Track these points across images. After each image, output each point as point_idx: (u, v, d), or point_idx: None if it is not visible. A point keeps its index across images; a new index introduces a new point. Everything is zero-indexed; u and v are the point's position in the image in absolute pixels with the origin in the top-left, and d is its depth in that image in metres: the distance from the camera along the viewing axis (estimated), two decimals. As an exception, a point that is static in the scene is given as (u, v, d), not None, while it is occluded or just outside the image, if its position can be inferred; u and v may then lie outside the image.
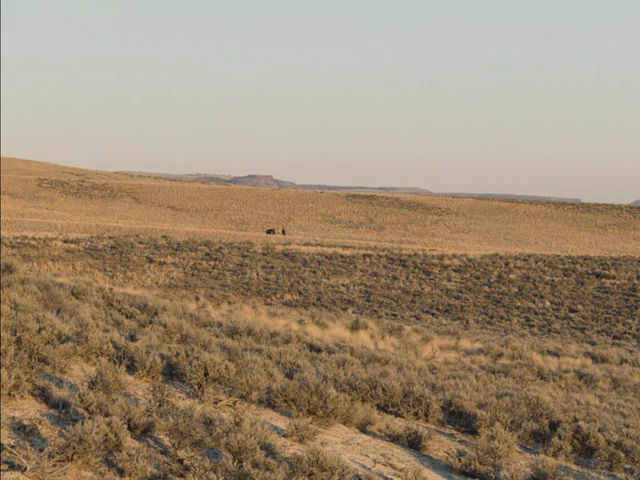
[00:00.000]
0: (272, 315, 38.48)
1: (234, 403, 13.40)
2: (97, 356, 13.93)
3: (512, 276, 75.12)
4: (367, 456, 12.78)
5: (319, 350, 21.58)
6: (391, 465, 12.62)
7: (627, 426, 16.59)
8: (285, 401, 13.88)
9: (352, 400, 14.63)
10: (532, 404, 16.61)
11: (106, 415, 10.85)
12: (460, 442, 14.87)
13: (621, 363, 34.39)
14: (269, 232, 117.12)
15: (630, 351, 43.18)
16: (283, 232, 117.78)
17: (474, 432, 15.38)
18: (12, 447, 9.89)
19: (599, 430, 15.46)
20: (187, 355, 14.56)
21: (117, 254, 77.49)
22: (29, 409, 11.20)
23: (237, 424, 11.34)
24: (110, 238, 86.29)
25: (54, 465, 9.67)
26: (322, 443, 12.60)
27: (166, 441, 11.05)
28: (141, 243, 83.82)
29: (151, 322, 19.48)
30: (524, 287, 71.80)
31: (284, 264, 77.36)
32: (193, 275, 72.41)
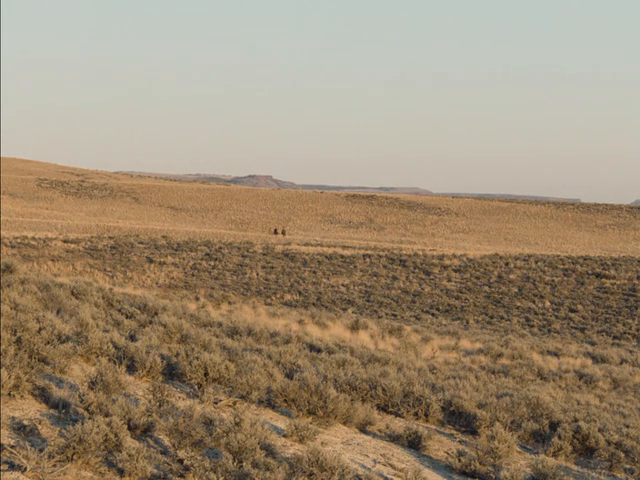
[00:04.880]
0: (272, 315, 38.47)
1: (234, 403, 13.39)
2: (97, 356, 13.93)
3: (512, 276, 75.09)
4: (367, 456, 12.78)
5: (319, 350, 21.57)
6: (391, 465, 12.62)
7: (627, 426, 16.58)
8: (285, 401, 13.87)
9: (352, 400, 14.62)
10: (532, 404, 16.60)
11: (106, 415, 10.84)
12: (460, 442, 14.87)
13: (621, 363, 34.39)
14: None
15: (630, 351, 43.16)
16: (283, 232, 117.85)
17: (474, 432, 15.37)
18: (12, 447, 9.89)
19: (599, 430, 15.46)
20: (187, 355, 14.56)
21: (117, 254, 77.47)
22: (29, 409, 11.19)
23: (237, 424, 11.33)
24: (110, 238, 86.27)
25: (54, 465, 9.67)
26: (322, 443, 12.60)
27: (166, 441, 11.04)
28: (141, 243, 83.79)
29: (151, 322, 19.48)
30: (524, 287, 71.77)
31: (284, 264, 77.34)
32: (193, 275, 72.38)
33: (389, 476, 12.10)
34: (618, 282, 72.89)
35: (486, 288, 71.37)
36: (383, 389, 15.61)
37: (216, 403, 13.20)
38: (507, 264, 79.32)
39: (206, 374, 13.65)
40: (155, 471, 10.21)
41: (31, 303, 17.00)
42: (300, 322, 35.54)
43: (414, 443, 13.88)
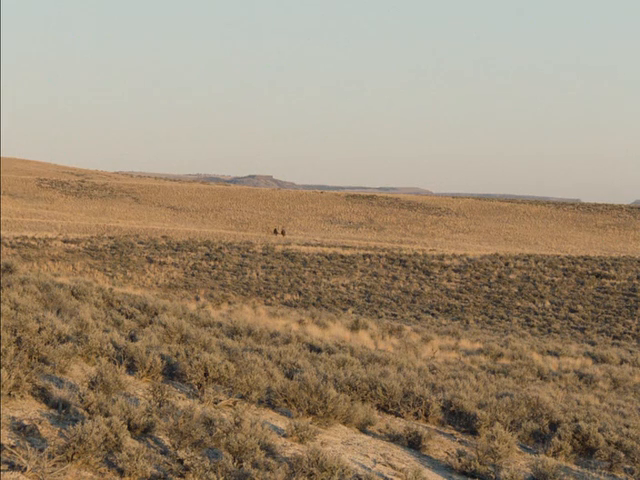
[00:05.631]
0: (272, 315, 38.46)
1: (234, 403, 13.39)
2: (97, 356, 13.93)
3: (512, 276, 75.10)
4: (367, 456, 12.78)
5: (319, 350, 21.56)
6: (391, 465, 12.62)
7: (627, 426, 16.58)
8: (285, 401, 13.87)
9: (352, 400, 14.62)
10: (532, 404, 16.61)
11: (106, 415, 10.84)
12: (460, 442, 14.87)
13: (621, 363, 34.39)
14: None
15: (630, 351, 43.17)
16: (283, 232, 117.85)
17: (474, 432, 15.37)
18: (12, 447, 9.89)
19: (599, 430, 15.46)
20: (187, 355, 14.56)
21: (117, 254, 77.48)
22: (29, 409, 11.19)
23: (237, 424, 11.33)
24: (110, 238, 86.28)
25: (54, 465, 9.67)
26: (322, 443, 12.60)
27: (166, 441, 11.04)
28: (141, 243, 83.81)
29: (151, 322, 19.48)
30: (524, 287, 71.78)
31: (284, 264, 77.35)
32: (193, 275, 72.39)
33: (389, 476, 12.10)
34: (618, 282, 72.90)
35: (486, 288, 71.39)
36: (383, 389, 15.62)
37: (216, 403, 13.20)
38: (507, 264, 79.33)
39: (206, 374, 13.65)
40: (155, 471, 10.21)
41: (31, 303, 17.00)
42: (300, 322, 35.54)
43: (414, 443, 13.88)
